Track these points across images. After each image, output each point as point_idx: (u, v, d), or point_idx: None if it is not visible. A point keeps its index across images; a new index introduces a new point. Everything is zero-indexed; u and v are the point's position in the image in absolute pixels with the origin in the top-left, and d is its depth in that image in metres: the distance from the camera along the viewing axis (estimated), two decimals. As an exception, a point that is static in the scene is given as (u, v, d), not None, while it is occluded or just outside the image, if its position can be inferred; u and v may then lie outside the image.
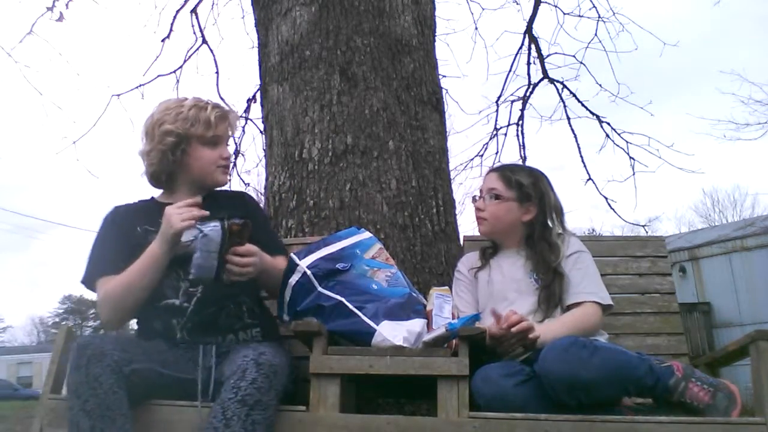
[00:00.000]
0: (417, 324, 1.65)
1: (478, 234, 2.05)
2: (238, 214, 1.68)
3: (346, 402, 1.58)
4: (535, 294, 1.80)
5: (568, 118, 5.53)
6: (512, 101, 5.73)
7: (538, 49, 5.39)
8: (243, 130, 5.10)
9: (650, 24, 5.31)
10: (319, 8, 2.58)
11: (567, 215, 1.95)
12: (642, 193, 5.92)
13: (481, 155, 6.08)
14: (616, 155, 5.57)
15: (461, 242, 2.41)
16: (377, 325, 1.61)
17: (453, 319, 1.71)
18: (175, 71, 5.03)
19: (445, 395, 1.49)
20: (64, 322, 36.93)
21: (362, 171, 2.36)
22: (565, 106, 5.52)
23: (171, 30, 4.93)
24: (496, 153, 5.88)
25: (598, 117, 5.49)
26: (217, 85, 5.09)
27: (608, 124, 5.50)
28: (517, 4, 5.42)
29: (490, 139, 5.93)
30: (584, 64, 5.33)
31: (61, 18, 4.44)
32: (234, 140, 1.99)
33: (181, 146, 1.81)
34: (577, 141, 5.60)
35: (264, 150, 2.83)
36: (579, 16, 5.21)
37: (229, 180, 1.92)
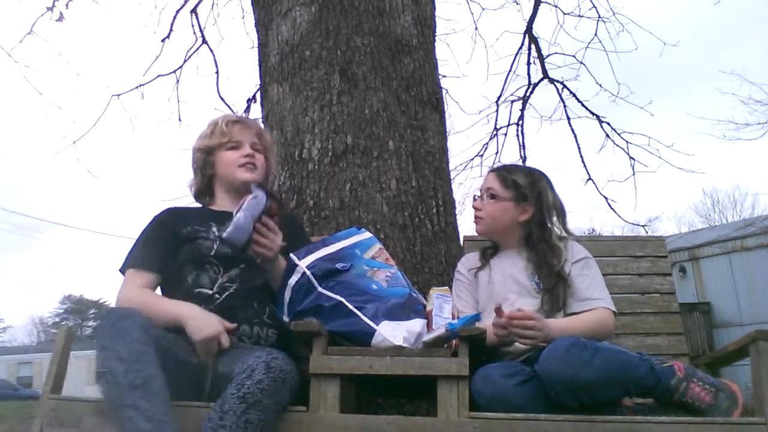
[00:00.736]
0: (417, 324, 1.65)
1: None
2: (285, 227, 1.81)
3: (346, 402, 1.57)
4: (535, 296, 1.80)
5: (568, 118, 5.54)
6: (512, 101, 5.74)
7: (538, 49, 5.39)
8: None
9: (650, 24, 5.34)
10: (319, 8, 2.58)
11: (568, 215, 1.94)
12: (642, 193, 5.93)
13: (481, 155, 6.10)
14: (616, 155, 5.58)
15: (461, 242, 2.41)
16: (377, 325, 1.61)
17: (453, 319, 1.71)
18: (175, 71, 5.03)
19: (445, 395, 1.49)
20: (64, 322, 36.93)
21: (362, 171, 2.36)
22: (565, 106, 5.53)
23: (171, 30, 4.93)
24: (496, 153, 5.89)
25: (598, 117, 5.50)
26: (217, 85, 5.09)
27: (608, 124, 5.51)
28: (517, 4, 5.43)
29: (490, 139, 5.94)
30: (584, 64, 5.33)
31: (61, 18, 4.44)
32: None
33: (207, 159, 1.99)
34: (577, 141, 5.61)
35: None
36: (579, 16, 5.21)
37: (257, 178, 1.96)
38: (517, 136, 5.74)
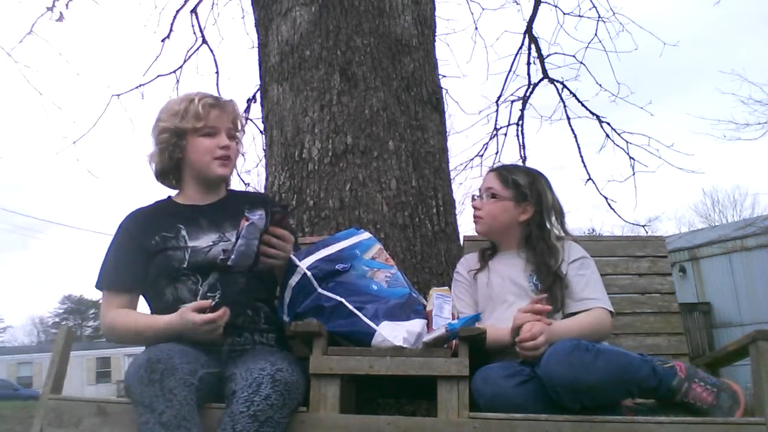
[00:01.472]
0: (417, 324, 1.65)
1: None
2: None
3: (346, 402, 1.57)
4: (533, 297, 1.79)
5: (568, 118, 5.54)
6: (512, 101, 5.73)
7: (538, 49, 5.38)
8: (243, 130, 5.10)
9: (650, 24, 5.31)
10: (319, 8, 2.58)
11: (567, 215, 1.95)
12: (642, 193, 5.93)
13: (481, 155, 6.09)
14: (616, 155, 5.58)
15: (461, 242, 2.41)
16: (377, 325, 1.61)
17: (453, 319, 1.70)
18: (175, 71, 5.03)
19: (445, 395, 1.49)
20: (64, 322, 36.97)
21: (362, 171, 2.36)
22: (565, 106, 5.52)
23: (171, 30, 4.93)
24: (496, 153, 5.89)
25: (598, 117, 5.50)
26: (217, 85, 5.10)
27: (608, 124, 5.51)
28: (517, 4, 5.43)
29: (490, 139, 5.94)
30: (584, 64, 5.33)
31: (61, 18, 4.44)
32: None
33: (177, 142, 1.82)
34: (577, 141, 5.61)
35: (264, 150, 2.83)
36: (579, 16, 5.20)
37: (230, 173, 1.88)
38: (517, 136, 5.75)
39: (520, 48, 5.43)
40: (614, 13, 5.13)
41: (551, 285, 1.78)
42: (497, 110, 5.82)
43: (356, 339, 1.61)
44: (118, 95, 4.86)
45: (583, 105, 5.44)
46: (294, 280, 1.71)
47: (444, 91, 3.16)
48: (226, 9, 11.93)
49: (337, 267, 1.73)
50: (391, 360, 1.53)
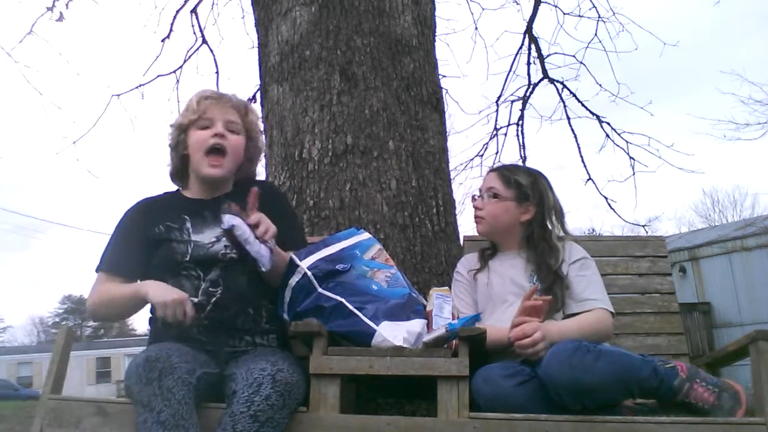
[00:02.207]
0: (417, 324, 1.65)
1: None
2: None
3: (346, 402, 1.57)
4: None
5: (568, 118, 5.55)
6: (512, 101, 5.74)
7: (538, 49, 5.39)
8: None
9: (650, 24, 5.31)
10: (319, 8, 2.58)
11: (567, 215, 1.95)
12: (642, 193, 5.93)
13: (481, 155, 6.10)
14: (616, 155, 5.59)
15: (461, 242, 2.41)
16: (377, 325, 1.61)
17: (453, 319, 1.70)
18: (175, 71, 5.04)
19: (445, 395, 1.49)
20: (64, 322, 36.94)
21: (362, 171, 2.36)
22: (565, 106, 5.53)
23: (171, 30, 4.94)
24: (496, 153, 5.90)
25: (598, 117, 5.50)
26: (217, 85, 5.11)
27: (608, 124, 5.51)
28: (517, 4, 5.43)
29: (490, 139, 5.95)
30: (584, 64, 5.33)
31: (61, 18, 4.44)
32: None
33: (181, 139, 1.85)
34: (577, 141, 5.62)
35: (264, 150, 2.82)
36: (579, 16, 5.21)
37: (223, 173, 1.82)
38: (517, 136, 5.75)
39: (520, 48, 5.45)
40: (614, 13, 5.14)
41: (551, 284, 1.78)
42: (497, 110, 5.84)
43: (356, 339, 1.61)
44: (118, 95, 4.88)
45: (583, 105, 5.45)
46: (294, 279, 1.71)
47: (444, 91, 3.17)
48: (226, 9, 11.96)
49: (337, 267, 1.73)
50: (391, 360, 1.53)
